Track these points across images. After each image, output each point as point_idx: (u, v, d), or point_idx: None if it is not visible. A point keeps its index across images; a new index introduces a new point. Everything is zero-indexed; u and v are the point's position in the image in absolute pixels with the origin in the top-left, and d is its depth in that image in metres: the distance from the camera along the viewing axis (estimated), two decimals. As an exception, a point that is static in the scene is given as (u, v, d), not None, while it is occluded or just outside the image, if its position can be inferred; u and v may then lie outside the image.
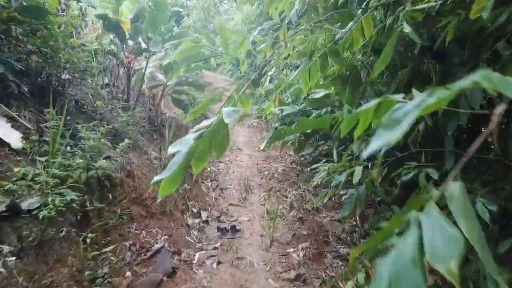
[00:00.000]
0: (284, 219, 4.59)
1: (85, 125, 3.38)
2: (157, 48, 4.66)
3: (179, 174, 1.08)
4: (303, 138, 6.60)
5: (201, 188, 5.15)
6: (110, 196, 3.31)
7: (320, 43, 2.28)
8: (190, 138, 1.15)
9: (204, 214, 4.39)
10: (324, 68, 1.92)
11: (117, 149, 3.46)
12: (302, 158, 6.79)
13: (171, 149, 1.08)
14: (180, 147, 1.10)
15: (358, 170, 2.27)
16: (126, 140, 3.37)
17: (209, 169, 6.18)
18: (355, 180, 2.23)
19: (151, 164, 4.24)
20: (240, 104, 2.09)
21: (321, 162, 4.00)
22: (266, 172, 6.25)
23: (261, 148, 4.01)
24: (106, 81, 5.23)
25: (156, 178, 1.05)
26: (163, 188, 1.07)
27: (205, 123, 1.23)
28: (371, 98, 2.78)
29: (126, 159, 3.81)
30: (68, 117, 3.51)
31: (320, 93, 4.89)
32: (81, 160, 2.84)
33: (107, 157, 3.48)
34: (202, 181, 5.52)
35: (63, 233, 2.48)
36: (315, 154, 6.44)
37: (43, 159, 2.70)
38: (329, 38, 1.79)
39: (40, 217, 2.21)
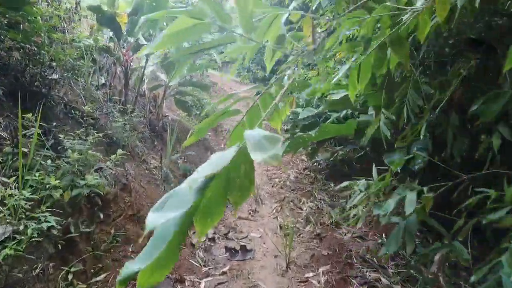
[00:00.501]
0: (299, 235, 4.10)
1: (73, 132, 2.91)
2: (158, 44, 4.18)
3: (171, 256, 0.59)
4: (316, 142, 6.10)
5: (207, 199, 4.68)
6: (102, 215, 2.84)
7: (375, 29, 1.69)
8: (185, 191, 0.67)
9: (210, 231, 3.91)
10: (380, 64, 1.42)
11: (110, 160, 2.98)
12: (315, 164, 6.30)
13: (151, 222, 0.58)
14: (168, 214, 0.61)
15: (411, 197, 1.76)
16: (120, 151, 2.89)
17: (215, 176, 5.70)
18: (408, 210, 1.72)
19: (150, 174, 3.77)
20: (269, 121, 1.60)
21: (345, 183, 3.47)
22: (277, 180, 5.77)
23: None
24: (102, 81, 4.77)
25: (128, 268, 0.56)
26: (144, 280, 0.58)
27: (212, 163, 0.73)
28: (416, 99, 2.31)
29: (122, 170, 3.35)
30: (54, 123, 3.05)
31: (339, 94, 4.40)
32: (65, 176, 2.38)
33: (99, 169, 3.01)
34: (207, 190, 5.04)
35: (37, 271, 2.01)
36: (330, 159, 5.96)
37: (16, 176, 2.23)
38: (387, 22, 1.30)
39: (1, 256, 1.73)
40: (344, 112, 4.41)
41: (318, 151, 6.24)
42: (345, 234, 4.09)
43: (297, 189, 5.40)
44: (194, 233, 3.79)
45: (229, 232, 3.99)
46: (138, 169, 3.62)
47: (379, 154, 3.50)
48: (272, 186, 5.51)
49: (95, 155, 2.70)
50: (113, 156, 2.84)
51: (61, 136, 2.75)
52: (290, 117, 6.41)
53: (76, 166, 2.51)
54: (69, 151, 2.51)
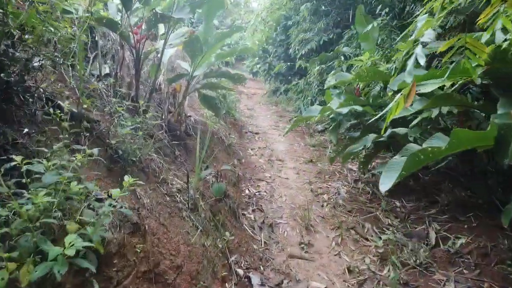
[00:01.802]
0: (378, 282, 2.93)
1: (51, 146, 1.78)
2: (184, 14, 3.00)
3: None
4: (374, 148, 4.91)
5: (244, 226, 3.52)
6: (96, 285, 1.69)
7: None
8: None
9: (255, 280, 2.74)
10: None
11: (113, 191, 1.83)
12: (368, 175, 5.11)
13: None
14: None
15: None
16: (127, 178, 1.72)
17: (247, 191, 4.54)
18: None
19: (173, 201, 2.61)
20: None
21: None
22: (325, 196, 4.58)
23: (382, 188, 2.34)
24: (107, 70, 3.64)
25: None
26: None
27: None
28: None
29: (132, 201, 2.20)
30: (26, 130, 1.92)
31: (427, 87, 3.19)
32: (21, 239, 1.23)
33: (99, 200, 1.87)
34: (242, 211, 3.89)
35: None
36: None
37: None
38: None
39: None
40: (436, 110, 3.21)
41: (372, 159, 5.05)
42: (444, 284, 2.90)
43: (354, 209, 4.21)
44: (234, 284, 2.63)
45: (282, 282, 2.82)
46: (155, 195, 2.47)
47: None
48: (322, 206, 4.32)
49: (81, 191, 1.55)
50: (114, 191, 1.67)
51: (33, 149, 1.61)
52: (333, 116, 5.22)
53: (42, 216, 1.36)
54: (33, 189, 1.36)
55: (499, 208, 3.53)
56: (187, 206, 2.60)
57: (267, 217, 3.91)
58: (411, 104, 2.59)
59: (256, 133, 7.50)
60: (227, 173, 3.87)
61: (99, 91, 3.06)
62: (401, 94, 2.01)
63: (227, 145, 4.70)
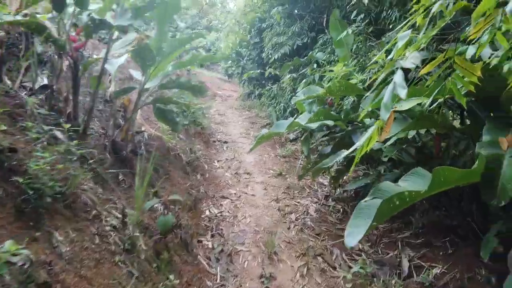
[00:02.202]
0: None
1: None
2: (126, 21, 2.59)
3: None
4: (346, 162, 4.61)
5: (198, 259, 3.14)
6: None
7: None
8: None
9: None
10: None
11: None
12: (339, 190, 4.82)
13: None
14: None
15: None
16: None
17: (208, 212, 4.18)
18: None
19: (104, 243, 2.21)
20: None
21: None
22: (292, 216, 4.26)
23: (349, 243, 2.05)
24: (44, 81, 3.20)
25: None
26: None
27: None
28: None
29: (45, 251, 1.80)
30: None
31: (407, 104, 2.89)
32: None
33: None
34: (199, 238, 3.52)
35: None
36: (363, 185, 4.50)
37: None
38: None
39: None
40: (412, 133, 2.92)
41: (345, 173, 4.76)
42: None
43: (323, 232, 3.90)
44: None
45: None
46: (80, 237, 2.07)
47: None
48: (289, 228, 4.00)
49: None
50: (8, 244, 1.28)
51: None
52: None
53: None
54: None
55: (475, 232, 3.29)
56: (122, 247, 2.21)
57: (227, 243, 3.56)
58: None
59: (225, 142, 7.13)
60: (182, 196, 3.48)
61: (28, 109, 2.63)
62: (375, 126, 1.70)
63: (185, 162, 4.30)
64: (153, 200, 2.72)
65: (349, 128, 3.73)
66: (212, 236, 3.67)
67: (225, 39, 15.12)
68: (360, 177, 4.83)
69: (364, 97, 3.22)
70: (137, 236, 2.35)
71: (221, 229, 3.87)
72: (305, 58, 7.39)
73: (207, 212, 4.19)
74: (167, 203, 2.73)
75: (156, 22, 3.20)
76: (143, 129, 3.97)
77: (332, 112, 3.66)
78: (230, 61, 12.95)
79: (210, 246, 3.45)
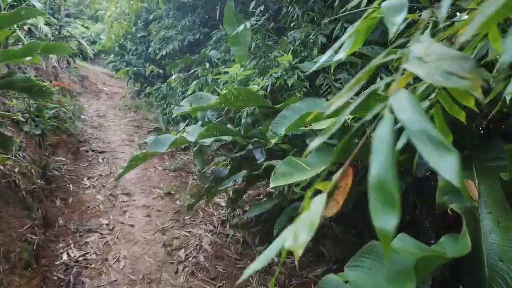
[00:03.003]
0: None
1: None
2: None
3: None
4: (246, 180, 3.85)
5: None
6: None
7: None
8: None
9: None
10: None
11: None
12: (238, 212, 4.08)
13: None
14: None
15: None
16: None
17: (65, 256, 3.07)
18: None
19: None
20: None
21: None
22: (182, 253, 3.37)
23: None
24: None
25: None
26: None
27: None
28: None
29: None
30: None
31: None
32: None
33: None
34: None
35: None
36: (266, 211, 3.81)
37: None
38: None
39: None
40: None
41: (245, 192, 4.02)
42: None
43: (220, 275, 3.10)
44: None
45: None
46: None
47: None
48: (176, 272, 3.09)
49: None
50: None
51: None
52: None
53: None
54: None
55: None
56: None
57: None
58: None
59: (101, 152, 5.87)
60: (14, 246, 2.34)
61: None
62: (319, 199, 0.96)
63: (26, 192, 3.09)
64: None
65: (250, 147, 2.99)
66: (66, 299, 2.59)
67: (109, 30, 13.44)
68: (263, 199, 4.17)
69: (275, 114, 2.49)
70: None
71: (82, 283, 2.81)
72: (197, 55, 6.52)
73: (64, 257, 3.07)
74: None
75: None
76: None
77: (229, 126, 2.88)
78: (112, 55, 11.39)
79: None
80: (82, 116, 7.89)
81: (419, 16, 1.09)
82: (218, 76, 4.34)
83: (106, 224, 3.72)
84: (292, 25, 4.39)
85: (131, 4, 10.98)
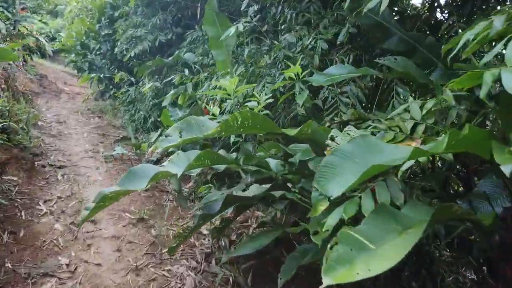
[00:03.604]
0: None
1: None
2: None
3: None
4: (237, 209, 3.18)
5: None
6: None
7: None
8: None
9: None
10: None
11: None
12: (223, 243, 3.53)
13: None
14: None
15: None
16: None
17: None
18: None
19: None
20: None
21: None
22: (161, 301, 2.79)
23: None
24: None
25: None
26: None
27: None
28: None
29: None
30: None
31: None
32: None
33: None
34: None
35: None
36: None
37: None
38: None
39: None
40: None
41: (233, 221, 3.48)
42: None
43: (211, 331, 2.55)
44: None
45: None
46: None
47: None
48: (156, 331, 2.52)
49: None
50: None
51: None
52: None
53: None
54: None
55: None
56: None
57: None
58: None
59: (61, 167, 5.14)
60: None
61: None
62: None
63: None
64: None
65: (249, 179, 2.46)
66: None
67: (69, 27, 12.48)
68: (252, 226, 3.65)
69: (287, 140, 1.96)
70: None
71: None
72: (170, 58, 5.90)
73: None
74: None
75: None
76: None
77: (222, 153, 2.34)
78: (73, 54, 10.48)
79: None
80: (40, 123, 7.04)
81: None
82: (211, 92, 3.73)
83: (66, 264, 3.06)
84: (283, 27, 3.90)
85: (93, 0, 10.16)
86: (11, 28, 10.89)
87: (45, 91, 11.38)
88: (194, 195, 4.62)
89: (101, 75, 7.91)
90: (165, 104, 4.59)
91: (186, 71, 4.51)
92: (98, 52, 9.80)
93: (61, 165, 5.19)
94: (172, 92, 4.11)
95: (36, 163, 4.95)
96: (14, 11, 11.40)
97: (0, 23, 9.05)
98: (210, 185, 3.80)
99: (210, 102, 4.35)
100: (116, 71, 9.50)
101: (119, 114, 8.74)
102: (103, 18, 9.49)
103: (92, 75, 5.97)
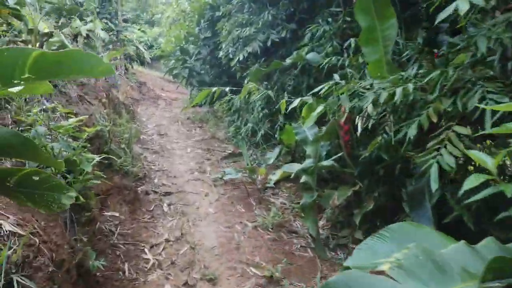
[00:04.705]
0: None
1: None
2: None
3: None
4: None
5: None
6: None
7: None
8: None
9: None
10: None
11: None
12: None
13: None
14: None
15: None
16: None
17: None
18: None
19: None
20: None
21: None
22: None
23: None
24: None
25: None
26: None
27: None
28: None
29: None
30: None
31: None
32: None
33: None
34: None
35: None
36: None
37: None
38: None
39: None
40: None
41: None
42: None
43: None
44: None
45: None
46: None
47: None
48: None
49: None
50: None
51: None
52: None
53: None
54: None
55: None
56: None
57: None
58: None
59: (166, 194, 4.36)
60: None
61: None
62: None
63: None
64: None
65: None
66: None
67: (167, 33, 12.26)
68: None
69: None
70: None
71: None
72: (287, 59, 4.83)
73: None
74: None
75: None
76: None
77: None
78: (173, 61, 10.04)
79: None
80: (141, 136, 6.53)
81: None
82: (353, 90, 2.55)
83: None
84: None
85: (192, 1, 9.61)
86: (114, 38, 11.01)
87: (144, 98, 11.27)
88: (332, 239, 3.48)
89: (213, 89, 7.10)
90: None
91: (336, 77, 3.33)
92: (197, 57, 9.20)
93: (166, 191, 4.41)
94: (320, 108, 2.92)
95: (139, 189, 4.23)
96: (116, 21, 11.53)
97: (103, 33, 8.87)
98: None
99: (358, 117, 3.18)
100: (216, 76, 8.81)
101: (221, 124, 7.99)
102: (202, 21, 8.87)
103: (214, 88, 5.15)
